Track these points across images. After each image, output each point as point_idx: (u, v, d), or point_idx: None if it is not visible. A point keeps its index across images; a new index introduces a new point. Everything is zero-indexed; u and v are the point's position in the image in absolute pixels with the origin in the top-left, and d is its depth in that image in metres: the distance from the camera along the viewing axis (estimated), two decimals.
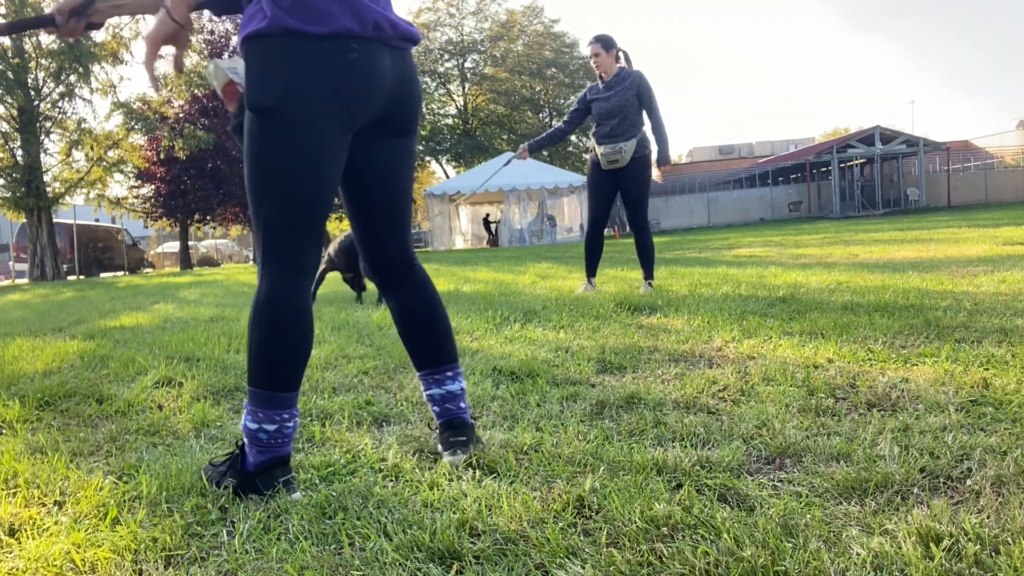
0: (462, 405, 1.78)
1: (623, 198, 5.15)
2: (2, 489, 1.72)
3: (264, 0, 1.50)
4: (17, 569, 1.32)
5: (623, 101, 4.94)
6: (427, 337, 1.79)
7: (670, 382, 2.37)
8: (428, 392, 1.80)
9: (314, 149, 1.53)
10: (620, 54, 5.07)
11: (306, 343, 1.59)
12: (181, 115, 25.23)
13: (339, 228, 45.10)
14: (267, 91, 1.51)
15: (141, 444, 2.04)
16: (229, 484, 1.60)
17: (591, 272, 5.38)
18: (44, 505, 1.62)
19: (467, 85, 41.75)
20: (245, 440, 1.60)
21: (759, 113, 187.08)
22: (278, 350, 1.56)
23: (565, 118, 5.34)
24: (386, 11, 1.60)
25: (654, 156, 5.08)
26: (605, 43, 5.01)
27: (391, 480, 1.65)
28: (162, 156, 23.17)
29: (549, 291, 5.54)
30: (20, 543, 1.42)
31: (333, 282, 8.75)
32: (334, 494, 1.55)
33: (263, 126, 1.53)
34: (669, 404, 2.10)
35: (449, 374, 1.79)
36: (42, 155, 21.54)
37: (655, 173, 5.27)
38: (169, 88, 22.18)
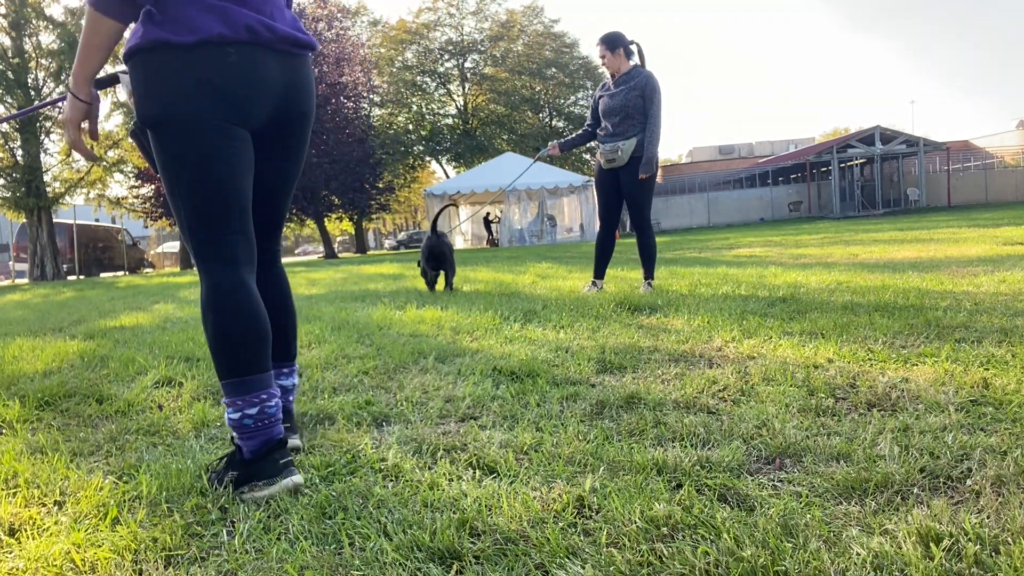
0: (290, 398, 1.98)
1: (625, 198, 5.10)
2: (2, 489, 1.72)
3: (141, 19, 1.60)
4: (17, 569, 1.32)
5: (625, 100, 4.89)
6: (276, 334, 1.87)
7: (670, 382, 2.37)
8: None
9: (209, 149, 1.62)
10: (633, 47, 4.96)
11: (256, 325, 1.66)
12: None
13: (339, 228, 45.21)
14: (152, 103, 1.60)
15: (141, 444, 2.04)
16: (231, 479, 1.62)
17: (599, 273, 5.36)
18: (44, 505, 1.62)
19: (467, 85, 41.74)
20: (234, 434, 1.65)
21: (759, 113, 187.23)
22: (233, 339, 1.63)
23: (588, 119, 5.31)
24: (263, 15, 1.67)
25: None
26: (610, 43, 4.94)
27: (391, 480, 1.65)
28: None
29: (549, 291, 5.54)
30: (20, 543, 1.42)
31: (334, 282, 8.75)
32: (334, 494, 1.55)
33: (157, 137, 1.63)
34: (669, 404, 2.10)
35: (285, 371, 1.96)
36: (42, 155, 21.55)
37: (657, 174, 5.17)
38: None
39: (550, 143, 5.44)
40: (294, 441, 1.89)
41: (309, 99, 1.81)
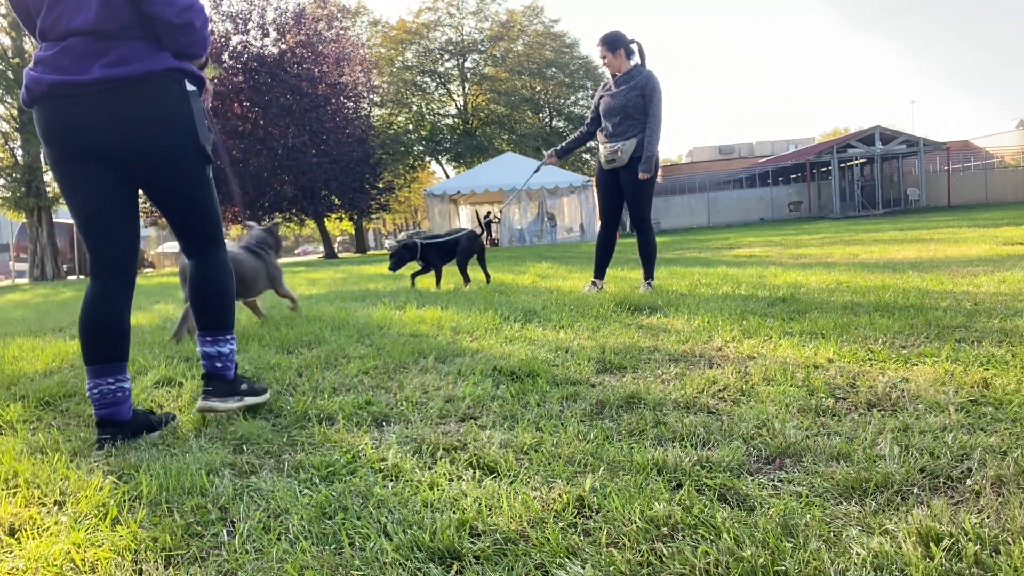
0: (216, 364, 2.26)
1: (625, 198, 5.09)
2: (2, 489, 1.72)
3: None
4: (17, 569, 1.32)
5: (626, 101, 4.88)
6: (194, 309, 2.29)
7: (670, 382, 2.37)
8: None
9: (60, 186, 2.10)
10: (633, 47, 4.95)
11: (92, 331, 2.08)
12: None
13: (339, 228, 45.18)
14: None
15: (141, 444, 2.04)
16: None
17: (599, 273, 5.35)
18: (44, 505, 1.62)
19: (467, 85, 41.74)
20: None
21: (759, 113, 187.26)
22: (81, 337, 2.09)
23: (587, 120, 5.28)
24: (49, 73, 1.98)
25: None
26: (610, 44, 4.93)
27: (391, 480, 1.65)
28: None
29: (549, 291, 5.54)
30: (20, 543, 1.42)
31: (334, 282, 8.75)
32: (334, 494, 1.55)
33: None
34: (669, 404, 2.10)
35: (208, 339, 2.27)
36: (42, 155, 21.50)
37: (658, 174, 5.15)
38: None
39: (547, 153, 5.43)
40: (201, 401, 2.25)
41: (130, 124, 2.03)
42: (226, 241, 2.43)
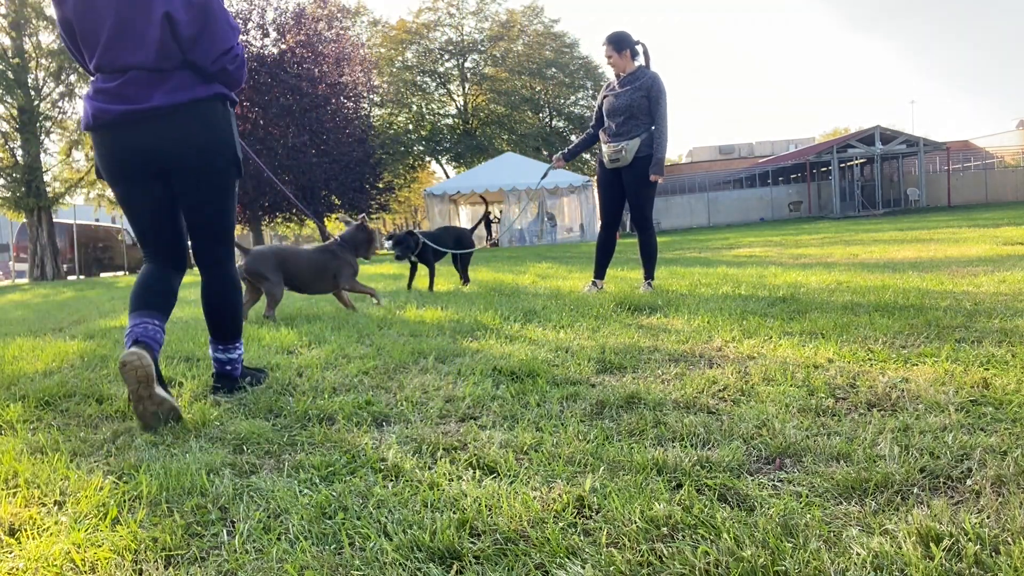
0: (227, 368, 2.62)
1: (627, 197, 5.10)
2: (2, 489, 1.72)
3: None
4: (17, 569, 1.32)
5: (631, 100, 4.89)
6: (208, 320, 2.62)
7: (670, 382, 2.37)
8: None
9: (120, 197, 2.46)
10: (638, 48, 4.97)
11: (144, 289, 2.43)
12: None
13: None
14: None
15: (141, 444, 2.04)
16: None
17: (599, 273, 5.36)
18: (44, 505, 1.62)
19: (467, 85, 41.75)
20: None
21: (759, 113, 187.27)
22: (133, 294, 2.43)
23: (592, 122, 5.31)
24: (116, 103, 2.29)
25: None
26: (617, 44, 4.94)
27: (391, 480, 1.65)
28: None
29: (549, 291, 5.54)
30: (20, 543, 1.42)
31: None
32: (334, 494, 1.55)
33: None
34: (669, 404, 2.10)
35: (220, 347, 2.61)
36: (42, 155, 21.53)
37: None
38: None
39: (554, 158, 5.45)
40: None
41: (181, 143, 2.36)
42: (283, 243, 2.74)
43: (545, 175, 6.46)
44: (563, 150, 5.47)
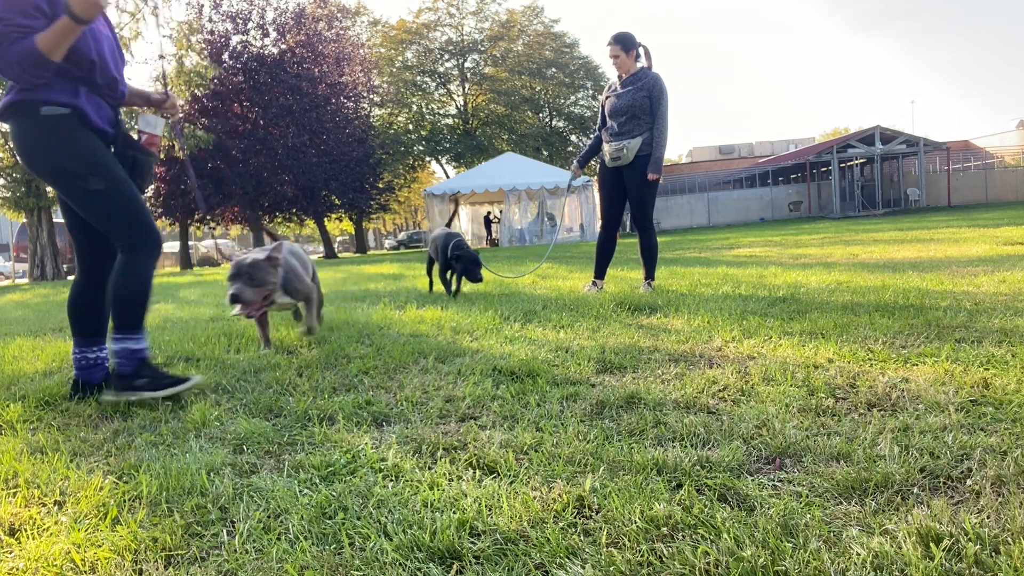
0: (115, 361, 2.53)
1: (628, 197, 5.12)
2: (2, 489, 1.72)
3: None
4: (17, 569, 1.32)
5: (633, 101, 4.93)
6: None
7: (670, 382, 2.37)
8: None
9: None
10: (641, 50, 5.03)
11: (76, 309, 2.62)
12: (181, 115, 25.22)
13: (339, 228, 45.14)
14: None
15: (141, 444, 2.04)
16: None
17: (599, 273, 5.37)
18: (44, 505, 1.62)
19: (467, 85, 41.75)
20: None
21: (759, 113, 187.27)
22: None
23: (596, 124, 5.36)
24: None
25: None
26: (624, 44, 4.98)
27: (391, 480, 1.65)
28: (162, 156, 23.14)
29: (549, 291, 5.54)
30: (20, 543, 1.42)
31: (334, 282, 8.74)
32: (334, 494, 1.55)
33: None
34: (669, 404, 2.10)
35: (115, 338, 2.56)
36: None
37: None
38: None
39: (572, 168, 5.48)
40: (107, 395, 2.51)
41: (20, 154, 2.40)
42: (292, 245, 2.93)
43: (570, 186, 6.46)
44: (576, 158, 5.50)
